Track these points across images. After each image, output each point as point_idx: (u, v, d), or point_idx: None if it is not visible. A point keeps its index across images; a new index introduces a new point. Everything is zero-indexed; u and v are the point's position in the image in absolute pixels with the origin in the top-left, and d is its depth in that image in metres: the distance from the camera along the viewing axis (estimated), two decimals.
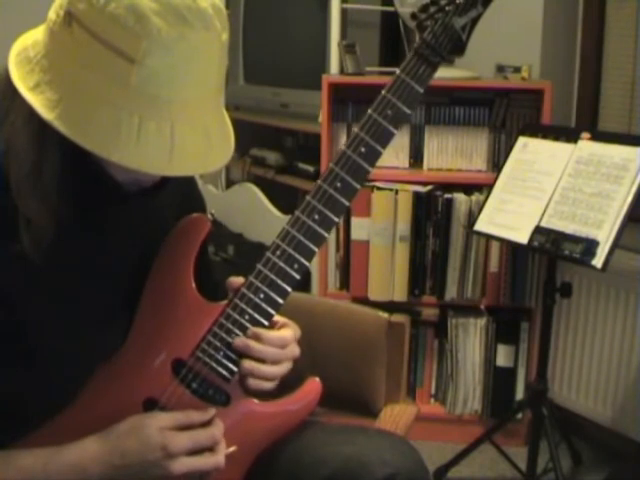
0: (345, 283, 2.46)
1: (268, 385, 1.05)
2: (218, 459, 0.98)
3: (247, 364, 1.02)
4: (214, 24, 0.87)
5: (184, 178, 1.20)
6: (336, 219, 1.06)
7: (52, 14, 0.88)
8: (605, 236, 1.76)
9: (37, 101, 0.85)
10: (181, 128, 0.87)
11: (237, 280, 1.07)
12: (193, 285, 1.07)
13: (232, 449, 1.03)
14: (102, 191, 0.96)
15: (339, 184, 1.06)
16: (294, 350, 1.08)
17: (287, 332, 1.08)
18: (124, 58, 0.83)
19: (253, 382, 1.03)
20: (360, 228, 2.38)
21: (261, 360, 1.04)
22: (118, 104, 0.84)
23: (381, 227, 2.36)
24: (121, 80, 0.83)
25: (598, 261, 1.75)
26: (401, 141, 2.42)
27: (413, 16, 1.13)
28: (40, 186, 0.90)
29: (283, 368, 1.06)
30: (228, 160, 0.94)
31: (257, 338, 1.03)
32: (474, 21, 1.13)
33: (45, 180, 0.90)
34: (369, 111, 1.09)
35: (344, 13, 2.54)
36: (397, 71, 1.10)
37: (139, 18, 0.82)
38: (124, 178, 0.95)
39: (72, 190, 0.93)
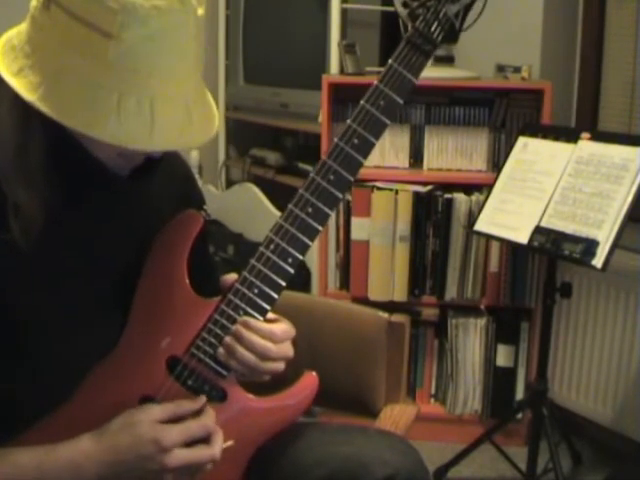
0: (345, 283, 2.46)
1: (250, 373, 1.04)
2: (213, 451, 0.97)
3: (228, 339, 1.02)
4: None
5: (182, 172, 1.20)
6: (330, 212, 1.06)
7: (33, 1, 0.90)
8: (605, 236, 1.76)
9: (20, 85, 0.86)
10: (161, 103, 0.88)
11: (231, 277, 1.06)
12: (187, 281, 1.07)
13: (229, 443, 1.02)
14: (89, 175, 0.96)
15: (332, 176, 1.06)
16: (287, 350, 1.07)
17: (279, 326, 1.06)
18: (101, 34, 0.84)
19: (236, 365, 1.02)
20: (360, 228, 2.37)
21: (250, 349, 1.03)
22: (97, 81, 0.85)
23: (381, 227, 2.35)
24: (99, 56, 0.85)
25: (598, 261, 1.75)
26: (401, 141, 2.42)
27: (404, 4, 1.12)
28: (26, 169, 0.91)
29: (274, 366, 1.05)
30: (210, 137, 0.94)
31: (246, 326, 1.03)
32: (467, 8, 1.12)
33: (31, 163, 0.91)
34: (362, 102, 1.08)
35: (344, 13, 2.54)
36: (389, 61, 1.08)
37: None
38: (110, 159, 0.95)
39: (58, 174, 0.94)
